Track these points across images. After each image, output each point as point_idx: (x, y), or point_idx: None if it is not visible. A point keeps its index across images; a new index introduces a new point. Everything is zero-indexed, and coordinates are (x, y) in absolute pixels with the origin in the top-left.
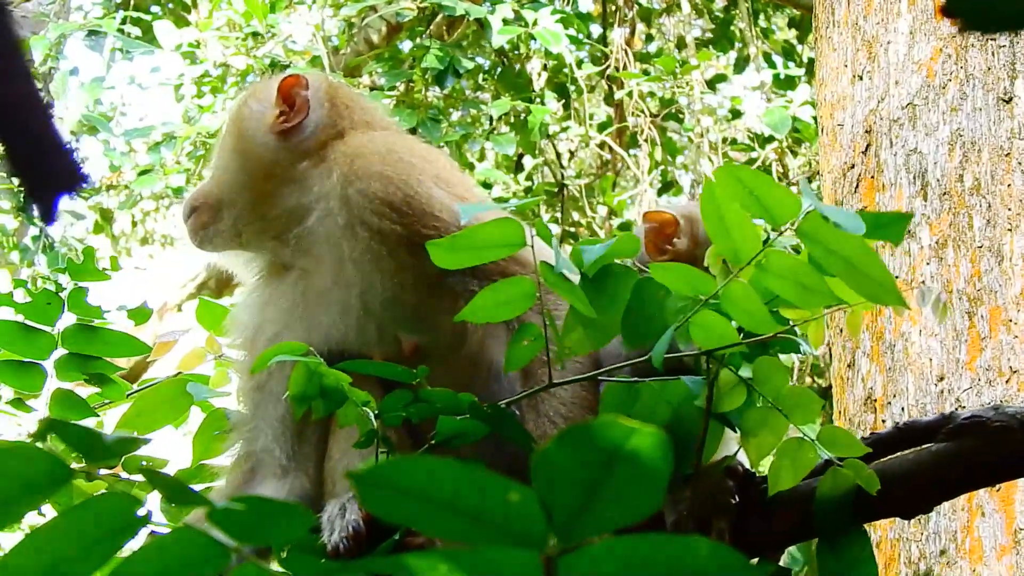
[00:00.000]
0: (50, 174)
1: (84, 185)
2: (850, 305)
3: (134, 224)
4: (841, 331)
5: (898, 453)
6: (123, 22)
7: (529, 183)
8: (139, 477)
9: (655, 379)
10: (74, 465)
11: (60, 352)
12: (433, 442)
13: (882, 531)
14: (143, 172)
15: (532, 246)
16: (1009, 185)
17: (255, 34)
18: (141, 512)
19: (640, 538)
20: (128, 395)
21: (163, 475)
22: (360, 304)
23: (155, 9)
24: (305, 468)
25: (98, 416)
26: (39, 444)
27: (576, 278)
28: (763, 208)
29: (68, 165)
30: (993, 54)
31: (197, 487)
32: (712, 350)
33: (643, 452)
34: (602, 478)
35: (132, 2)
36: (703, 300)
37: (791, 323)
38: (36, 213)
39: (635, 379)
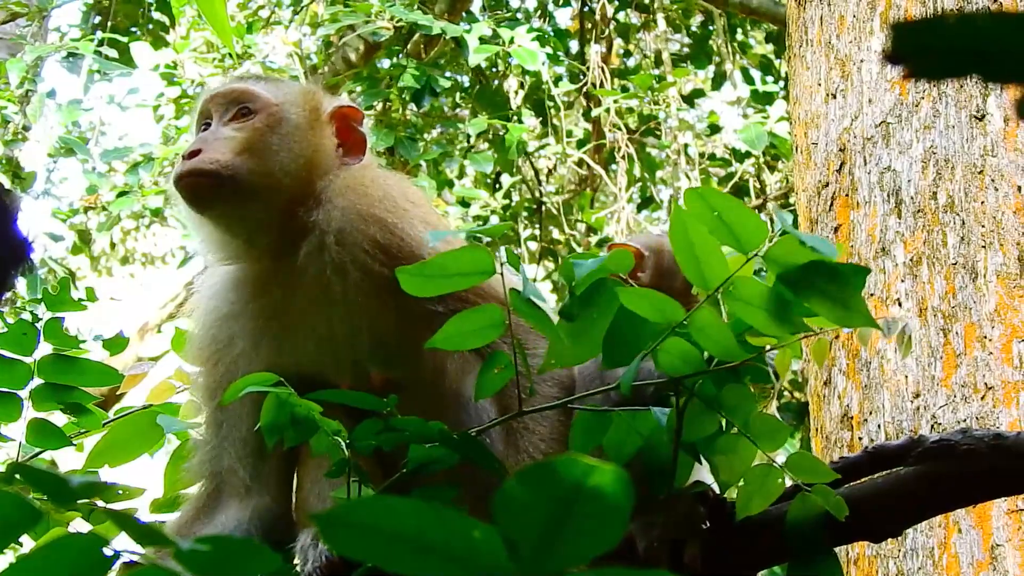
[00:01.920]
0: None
1: (28, 253)
2: (817, 332)
3: (112, 245)
4: None
5: (868, 477)
6: (100, 44)
7: (507, 201)
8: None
9: (626, 408)
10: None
11: (36, 382)
12: (404, 471)
13: (859, 548)
14: (121, 193)
15: (503, 274)
16: (983, 202)
17: (232, 55)
18: (108, 552)
19: (602, 573)
20: (104, 424)
21: (127, 515)
22: (341, 339)
23: (133, 30)
24: (268, 487)
25: (73, 445)
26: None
27: (545, 304)
28: (731, 234)
29: (14, 243)
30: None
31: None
32: (680, 377)
33: (604, 489)
34: (564, 514)
35: (110, 24)
36: (671, 327)
37: (762, 350)
38: None
39: (605, 408)
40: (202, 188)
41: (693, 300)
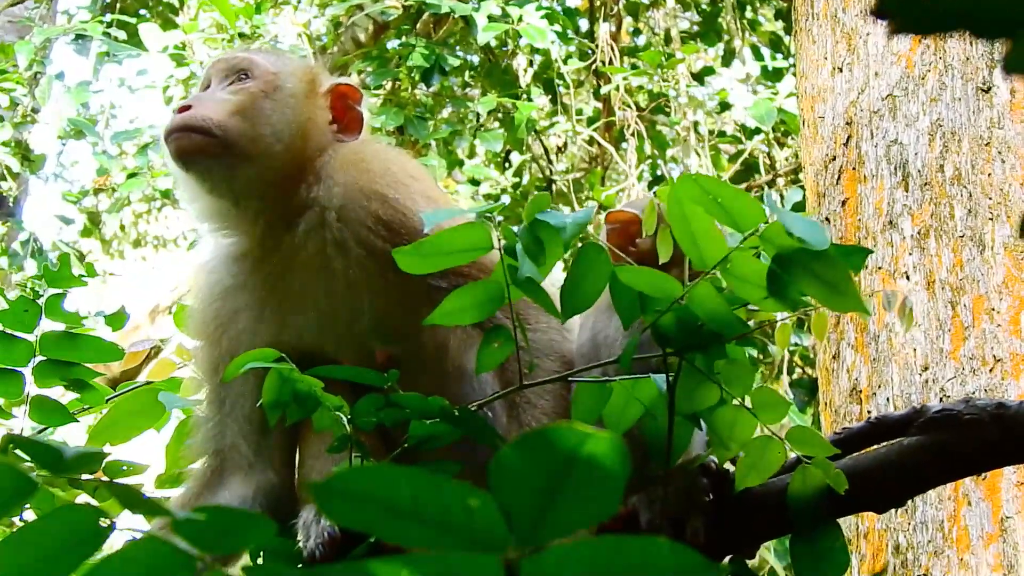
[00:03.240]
0: None
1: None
2: (816, 308)
3: (122, 228)
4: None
5: (871, 447)
6: (109, 25)
7: (518, 179)
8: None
9: (626, 377)
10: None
11: (39, 359)
12: (406, 445)
13: (869, 521)
14: (132, 175)
15: (501, 250)
16: (989, 174)
17: (241, 35)
18: (104, 523)
19: (601, 540)
20: (107, 400)
21: (127, 487)
22: (343, 316)
23: (142, 12)
24: (271, 463)
25: (76, 421)
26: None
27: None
28: (727, 215)
29: None
30: (972, 44)
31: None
32: (676, 351)
33: (599, 456)
34: (560, 483)
35: (118, 5)
36: (671, 302)
37: (760, 324)
38: None
39: (605, 379)
40: (190, 143)
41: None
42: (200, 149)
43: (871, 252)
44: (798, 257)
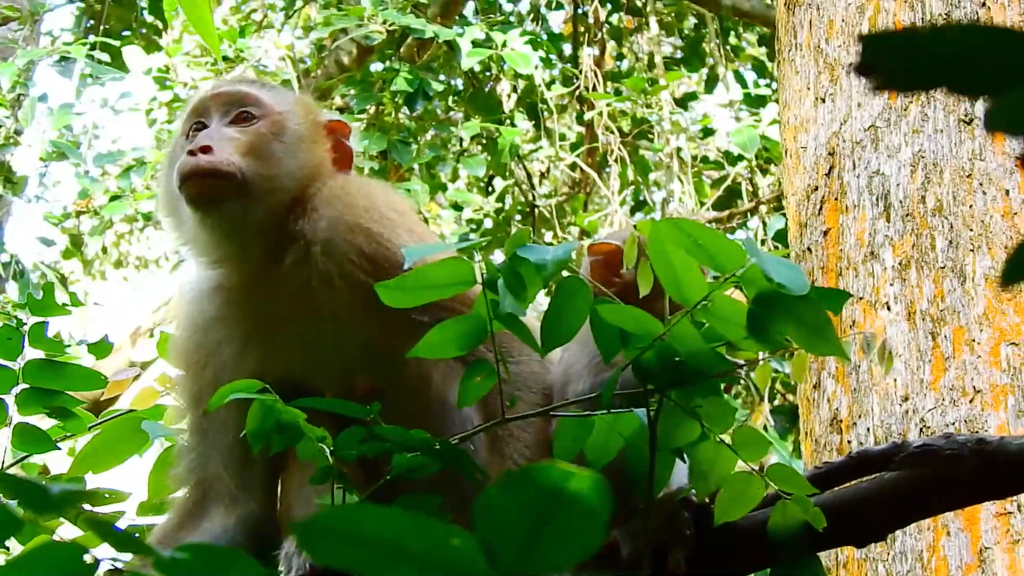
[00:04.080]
0: None
1: None
2: (795, 349)
3: (105, 249)
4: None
5: (851, 482)
6: (92, 48)
7: (500, 204)
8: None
9: (608, 411)
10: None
11: (21, 386)
12: (388, 478)
13: (848, 552)
14: (114, 197)
15: (484, 284)
16: (971, 206)
17: (225, 58)
18: (89, 558)
19: None
20: (90, 428)
21: (107, 524)
22: (327, 348)
23: (126, 33)
24: (253, 494)
25: (59, 449)
26: None
27: (523, 313)
28: (709, 257)
29: None
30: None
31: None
32: (656, 388)
33: (582, 494)
34: (543, 521)
35: (102, 28)
36: (652, 340)
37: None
38: None
39: (588, 413)
40: (215, 188)
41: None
42: (222, 193)
43: (850, 296)
44: (778, 300)
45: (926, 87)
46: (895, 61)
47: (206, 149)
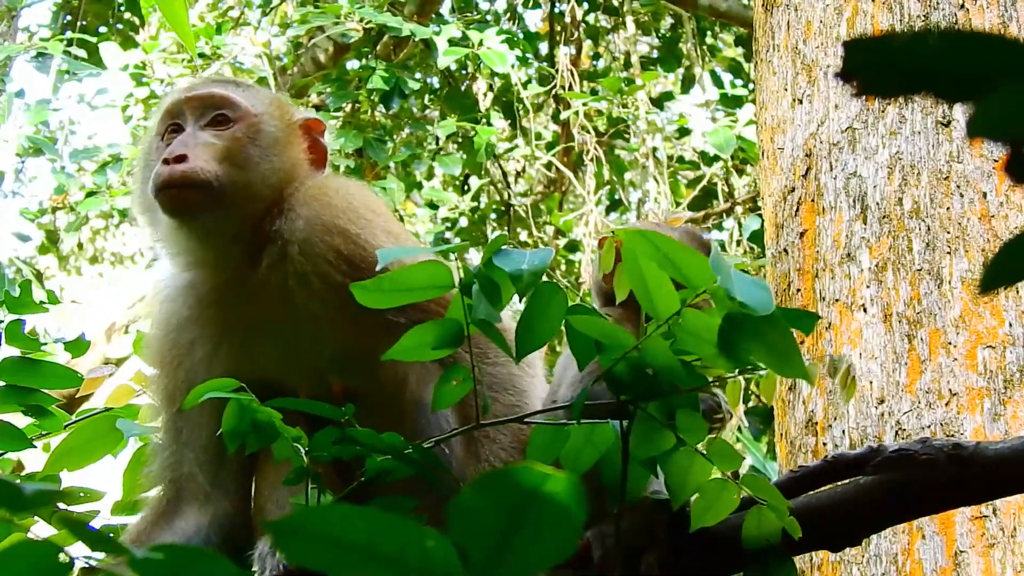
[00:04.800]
0: None
1: None
2: (763, 368)
3: (81, 245)
4: None
5: (827, 486)
6: (69, 44)
7: (476, 203)
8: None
9: (583, 421)
10: None
11: None
12: (362, 479)
13: (823, 555)
14: (90, 193)
15: (460, 288)
16: (948, 208)
17: (202, 55)
18: (64, 557)
19: None
20: (65, 426)
21: (82, 523)
22: (302, 348)
23: (103, 30)
24: (227, 493)
25: (35, 447)
26: None
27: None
28: (679, 271)
29: None
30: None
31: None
32: (629, 400)
33: (558, 496)
34: (517, 523)
35: (79, 24)
36: (624, 353)
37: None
38: None
39: (563, 422)
40: (191, 198)
41: None
42: (198, 203)
43: (819, 318)
44: (745, 320)
45: (908, 92)
46: (876, 66)
47: (181, 158)
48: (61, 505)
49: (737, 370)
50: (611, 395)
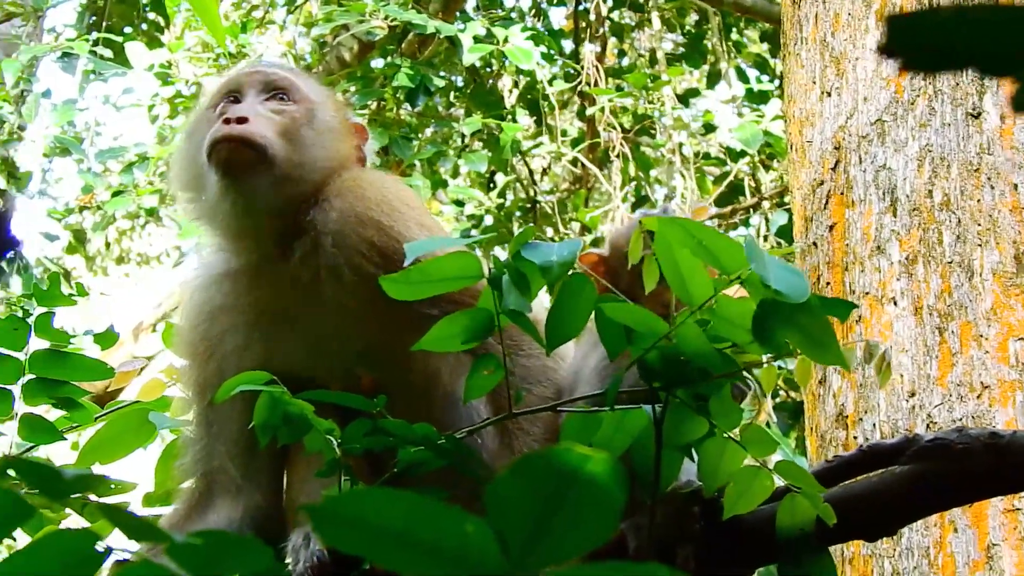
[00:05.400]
0: None
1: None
2: (799, 352)
3: (108, 245)
4: None
5: (862, 476)
6: (95, 44)
7: (502, 200)
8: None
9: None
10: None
11: (28, 377)
12: (395, 471)
13: (855, 548)
14: (116, 193)
15: (489, 279)
16: (979, 200)
17: (227, 54)
18: (101, 547)
19: (598, 566)
20: (96, 419)
21: (120, 509)
22: (333, 340)
23: (128, 30)
24: (259, 486)
25: (65, 439)
26: None
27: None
28: (713, 258)
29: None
30: (962, 72)
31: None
32: (662, 387)
33: (598, 478)
34: (557, 506)
35: (104, 24)
36: (657, 339)
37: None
38: None
39: (595, 409)
40: (246, 156)
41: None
42: (251, 165)
43: (855, 307)
44: (780, 306)
45: (950, 68)
46: (918, 42)
47: (242, 120)
48: (92, 497)
49: (771, 355)
50: (641, 382)
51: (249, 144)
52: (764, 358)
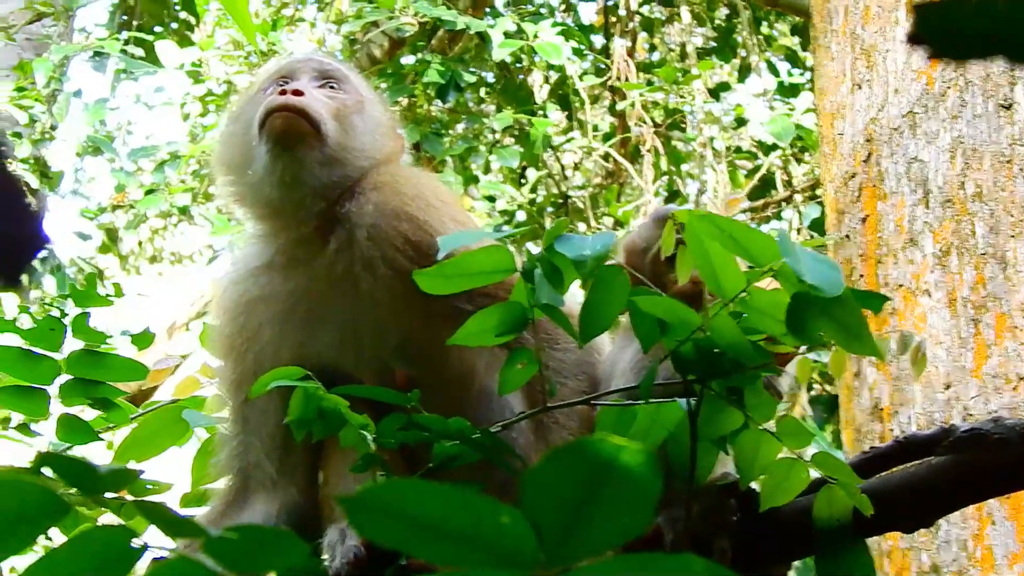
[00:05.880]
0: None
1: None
2: (832, 344)
3: (140, 244)
4: None
5: (898, 467)
6: (126, 43)
7: (533, 195)
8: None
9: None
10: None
11: (64, 377)
12: (430, 466)
13: (893, 540)
14: (149, 191)
15: (522, 272)
16: (1011, 191)
17: (258, 52)
18: (136, 543)
19: (631, 557)
20: (132, 418)
21: (157, 506)
22: (367, 335)
23: (159, 29)
24: (295, 481)
25: (102, 439)
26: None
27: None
28: (745, 251)
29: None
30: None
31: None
32: (696, 380)
33: (633, 469)
34: (592, 496)
35: (135, 23)
36: (691, 331)
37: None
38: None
39: (629, 402)
40: (300, 127)
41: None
42: (304, 137)
43: (888, 299)
44: (814, 298)
45: (979, 55)
46: (947, 30)
47: (298, 92)
48: (129, 497)
49: (805, 347)
50: (675, 375)
51: (304, 116)
52: (799, 349)
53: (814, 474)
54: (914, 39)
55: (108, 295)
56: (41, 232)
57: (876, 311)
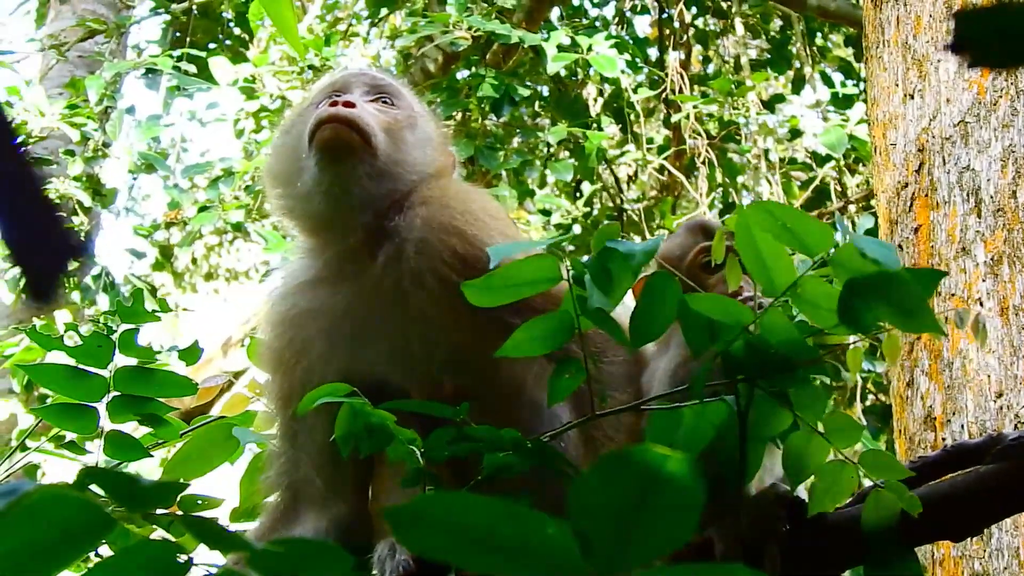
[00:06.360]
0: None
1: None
2: (888, 330)
3: (194, 261)
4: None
5: (947, 476)
6: (179, 60)
7: (588, 208)
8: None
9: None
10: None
11: (113, 394)
12: (480, 478)
13: (945, 549)
14: (202, 208)
15: (570, 281)
16: None
17: (311, 67)
18: (182, 558)
19: (681, 568)
20: (181, 435)
21: (204, 521)
22: (415, 348)
23: (212, 45)
24: (344, 496)
25: (151, 456)
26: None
27: (618, 309)
28: (797, 240)
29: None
30: None
31: (250, 525)
32: (746, 378)
33: (677, 478)
34: (639, 505)
35: (188, 40)
36: (742, 329)
37: (829, 349)
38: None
39: (677, 405)
40: (350, 138)
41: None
42: (354, 149)
43: (945, 274)
44: (870, 281)
45: (1020, 62)
46: (988, 37)
47: (349, 104)
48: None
49: (857, 336)
50: (722, 375)
51: (355, 127)
52: (851, 340)
53: (863, 482)
54: (955, 47)
55: (155, 311)
56: (77, 245)
57: (932, 287)
